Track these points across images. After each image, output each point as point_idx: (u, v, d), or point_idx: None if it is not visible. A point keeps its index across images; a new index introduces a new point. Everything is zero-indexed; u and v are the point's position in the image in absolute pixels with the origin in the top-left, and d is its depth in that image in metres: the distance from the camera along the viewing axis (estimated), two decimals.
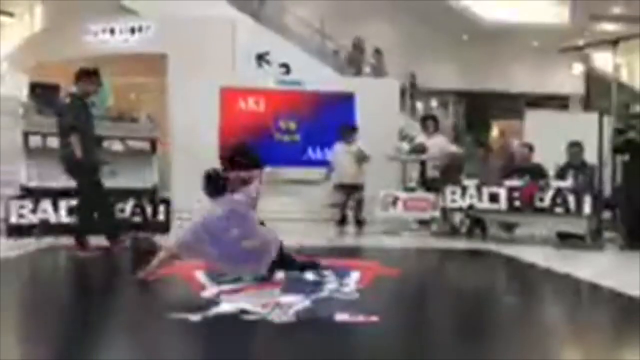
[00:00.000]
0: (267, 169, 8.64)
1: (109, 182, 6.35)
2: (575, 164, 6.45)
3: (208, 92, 8.36)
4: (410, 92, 12.32)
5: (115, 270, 4.67)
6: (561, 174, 6.42)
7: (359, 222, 7.37)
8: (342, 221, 7.31)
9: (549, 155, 6.77)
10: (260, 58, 10.25)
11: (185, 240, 3.69)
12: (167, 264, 3.74)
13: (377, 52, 12.10)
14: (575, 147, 6.52)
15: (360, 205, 7.38)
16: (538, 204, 6.01)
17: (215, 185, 3.83)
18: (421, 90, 13.59)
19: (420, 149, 7.57)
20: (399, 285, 4.06)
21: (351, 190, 7.30)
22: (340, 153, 7.40)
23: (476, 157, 7.29)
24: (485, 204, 6.29)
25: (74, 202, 6.08)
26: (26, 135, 6.22)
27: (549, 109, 12.60)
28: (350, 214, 7.45)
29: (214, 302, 3.15)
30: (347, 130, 7.47)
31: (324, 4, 12.99)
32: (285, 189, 8.09)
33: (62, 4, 12.00)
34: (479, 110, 14.58)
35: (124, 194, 6.35)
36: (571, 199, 5.87)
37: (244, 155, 4.06)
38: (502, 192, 6.19)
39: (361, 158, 7.26)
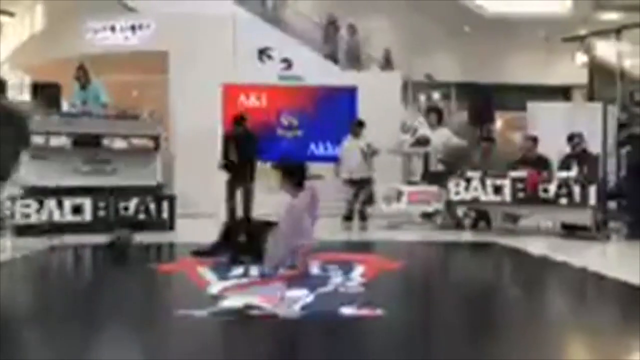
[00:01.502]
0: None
1: (111, 180, 6.40)
2: (577, 154, 6.41)
3: (210, 88, 8.34)
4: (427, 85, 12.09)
5: (120, 268, 4.68)
6: (565, 165, 6.39)
7: (363, 217, 7.35)
8: (349, 217, 7.28)
9: (553, 146, 6.74)
10: (262, 53, 10.22)
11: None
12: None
13: (351, 27, 11.80)
14: (576, 139, 6.49)
15: (370, 199, 7.33)
16: (543, 195, 5.99)
17: (302, 176, 4.02)
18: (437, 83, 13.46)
19: (423, 142, 7.53)
20: (403, 279, 4.05)
21: (360, 185, 7.27)
22: (348, 147, 7.35)
23: (479, 150, 7.25)
24: (489, 196, 6.27)
25: (78, 200, 6.13)
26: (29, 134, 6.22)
27: (552, 100, 12.52)
28: (357, 207, 7.39)
29: (219, 297, 3.16)
30: (355, 125, 7.43)
31: None
32: None
33: (63, 3, 11.99)
34: (482, 102, 14.47)
35: (128, 191, 6.37)
36: (576, 189, 5.84)
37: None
38: (506, 184, 6.17)
39: (370, 153, 7.24)
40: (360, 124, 7.40)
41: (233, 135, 6.72)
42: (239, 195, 6.59)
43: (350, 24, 11.67)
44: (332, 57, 11.06)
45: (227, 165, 6.59)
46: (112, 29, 10.59)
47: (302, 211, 3.84)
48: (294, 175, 4.01)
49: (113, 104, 7.00)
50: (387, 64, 12.07)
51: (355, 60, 11.38)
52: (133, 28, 10.47)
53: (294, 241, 3.80)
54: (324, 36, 11.59)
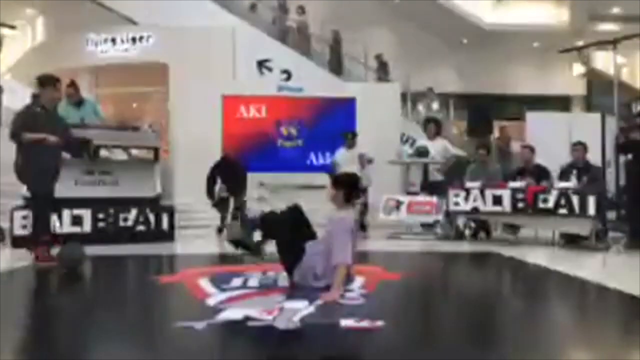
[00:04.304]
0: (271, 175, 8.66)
1: (110, 191, 6.41)
2: (578, 164, 6.42)
3: (210, 100, 8.40)
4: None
5: (118, 280, 4.67)
6: (565, 175, 6.40)
7: (362, 227, 7.34)
8: None
9: (552, 156, 6.76)
10: (261, 65, 10.29)
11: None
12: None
13: (301, 8, 11.81)
14: (579, 146, 6.51)
15: (365, 208, 7.34)
16: (542, 205, 6.00)
17: (356, 191, 3.87)
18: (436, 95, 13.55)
19: (422, 152, 7.56)
20: (403, 290, 4.04)
21: None
22: (343, 158, 7.40)
23: (477, 160, 7.27)
24: (489, 207, 6.27)
25: (77, 211, 6.13)
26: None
27: (550, 110, 12.60)
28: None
29: (218, 309, 3.15)
30: (348, 135, 7.48)
31: (324, 10, 13.05)
32: (288, 194, 8.09)
33: (64, 16, 12.10)
34: (481, 113, 14.55)
35: (127, 203, 6.37)
36: (575, 199, 5.85)
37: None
38: (506, 194, 6.18)
39: (364, 161, 7.26)
40: (353, 135, 7.48)
41: (219, 169, 7.13)
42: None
43: (299, 6, 11.78)
44: (282, 39, 11.13)
45: (219, 200, 7.14)
46: (113, 41, 10.67)
47: (351, 228, 3.66)
48: (348, 189, 3.76)
49: (113, 116, 7.04)
50: (335, 43, 12.01)
51: (304, 39, 11.44)
52: (134, 40, 10.55)
53: (336, 257, 3.55)
54: (274, 18, 11.71)
